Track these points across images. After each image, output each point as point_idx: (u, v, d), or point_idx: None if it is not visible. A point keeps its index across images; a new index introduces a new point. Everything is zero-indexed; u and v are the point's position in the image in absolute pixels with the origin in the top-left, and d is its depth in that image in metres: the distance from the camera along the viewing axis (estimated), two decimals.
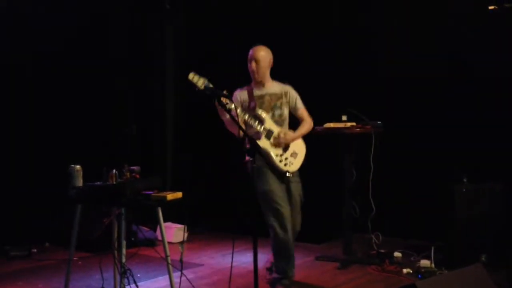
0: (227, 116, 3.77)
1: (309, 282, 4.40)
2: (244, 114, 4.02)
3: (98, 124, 6.03)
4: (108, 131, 6.02)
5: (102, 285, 3.81)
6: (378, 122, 4.78)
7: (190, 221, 5.60)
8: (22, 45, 5.58)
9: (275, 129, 4.11)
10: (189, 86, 3.48)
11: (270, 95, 4.18)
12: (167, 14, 6.85)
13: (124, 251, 3.49)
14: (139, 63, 6.60)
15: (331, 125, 4.72)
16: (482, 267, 3.52)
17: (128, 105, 6.52)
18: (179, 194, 3.68)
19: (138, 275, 4.45)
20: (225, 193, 6.20)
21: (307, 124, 4.27)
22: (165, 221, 4.02)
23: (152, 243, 5.51)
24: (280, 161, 4.11)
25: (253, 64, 4.12)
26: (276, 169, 4.10)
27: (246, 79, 4.26)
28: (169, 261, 3.72)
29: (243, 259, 4.97)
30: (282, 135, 4.10)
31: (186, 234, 5.61)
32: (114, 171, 3.59)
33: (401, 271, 4.49)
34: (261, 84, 4.18)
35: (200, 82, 3.47)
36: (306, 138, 4.32)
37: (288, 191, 4.16)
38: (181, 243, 5.29)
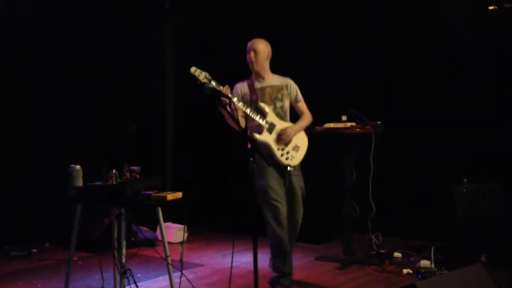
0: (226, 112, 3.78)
1: (309, 282, 4.40)
2: (246, 108, 4.02)
3: (98, 124, 6.03)
4: (108, 131, 6.03)
5: (102, 285, 3.81)
6: (378, 122, 4.78)
7: (190, 221, 5.60)
8: (22, 45, 5.58)
9: (278, 123, 4.12)
10: (189, 86, 3.49)
11: (271, 87, 4.19)
12: (167, 14, 6.85)
13: (124, 251, 3.49)
14: (139, 63, 6.60)
15: (331, 125, 4.72)
16: (482, 267, 3.52)
17: (128, 105, 6.52)
18: (179, 194, 3.68)
19: (138, 275, 4.45)
20: (225, 193, 6.21)
21: (307, 118, 4.29)
22: (165, 221, 4.02)
23: (152, 243, 5.51)
24: (282, 155, 4.11)
25: (252, 54, 4.14)
26: (278, 163, 4.10)
27: (246, 77, 4.26)
28: (169, 261, 3.72)
29: (243, 259, 4.97)
30: (285, 134, 4.09)
31: (186, 234, 5.60)
32: (114, 171, 3.60)
33: (401, 271, 4.48)
34: (261, 76, 4.19)
35: (202, 75, 3.74)
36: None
37: (290, 184, 4.16)
38: (181, 243, 5.28)
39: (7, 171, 5.46)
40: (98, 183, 3.62)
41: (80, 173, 3.64)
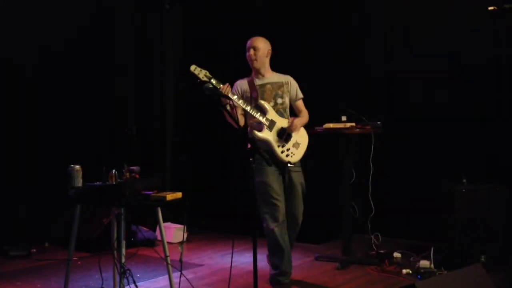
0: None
1: (308, 282, 4.40)
2: (246, 106, 4.02)
3: (98, 124, 6.03)
4: (108, 131, 6.03)
5: (102, 285, 3.81)
6: (378, 122, 4.78)
7: (189, 221, 5.59)
8: (22, 45, 5.57)
9: (278, 120, 4.12)
10: (189, 86, 3.50)
11: (272, 84, 4.19)
12: (167, 14, 6.85)
13: (123, 251, 3.49)
14: (139, 63, 6.60)
15: (331, 125, 4.72)
16: (481, 267, 3.51)
17: (128, 105, 6.52)
18: (178, 194, 3.68)
19: (138, 275, 4.44)
20: (224, 193, 6.21)
21: (306, 116, 4.31)
22: (164, 221, 4.02)
23: (151, 243, 5.51)
24: (282, 152, 4.11)
25: (251, 52, 4.15)
26: (278, 160, 4.10)
27: (247, 76, 4.26)
28: (169, 261, 3.72)
29: (242, 259, 4.97)
30: (292, 124, 4.09)
31: (185, 234, 5.61)
32: (113, 171, 3.60)
33: (401, 271, 4.48)
34: (261, 74, 4.20)
35: (201, 74, 3.79)
36: None
37: (290, 180, 4.16)
38: (181, 243, 5.28)
39: (7, 171, 5.46)
40: (97, 183, 3.63)
41: (80, 173, 3.64)
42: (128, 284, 3.50)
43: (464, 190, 4.56)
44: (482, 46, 4.94)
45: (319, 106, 4.61)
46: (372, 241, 5.10)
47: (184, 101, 6.86)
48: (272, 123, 4.10)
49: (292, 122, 4.11)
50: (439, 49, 5.24)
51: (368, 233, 5.09)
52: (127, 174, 3.67)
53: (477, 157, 4.91)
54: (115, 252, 3.61)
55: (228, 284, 3.64)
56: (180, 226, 5.77)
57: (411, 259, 4.78)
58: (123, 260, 3.47)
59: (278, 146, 4.10)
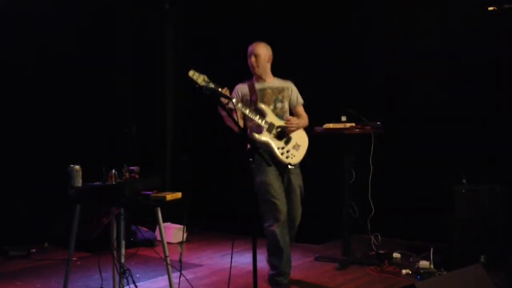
0: (225, 112, 3.78)
1: (308, 282, 4.40)
2: (245, 109, 4.03)
3: (98, 124, 6.02)
4: (108, 131, 6.02)
5: (101, 285, 3.80)
6: (378, 122, 4.78)
7: (189, 221, 5.59)
8: (22, 45, 5.57)
9: (277, 123, 4.12)
10: (189, 86, 3.49)
11: (272, 88, 4.20)
12: (167, 14, 6.85)
13: (123, 251, 3.49)
14: (139, 63, 6.60)
15: (331, 125, 4.71)
16: (481, 267, 3.51)
17: (128, 105, 6.52)
18: (178, 194, 3.68)
19: (137, 275, 4.44)
20: (225, 193, 6.21)
21: (305, 119, 4.31)
22: (164, 221, 4.02)
23: (151, 243, 5.51)
24: (282, 153, 4.11)
25: (253, 58, 4.15)
26: (278, 162, 4.10)
27: (246, 78, 4.26)
28: (168, 262, 3.72)
29: (242, 260, 4.97)
30: (289, 121, 4.11)
31: (185, 235, 5.61)
32: (113, 171, 3.59)
33: (400, 272, 4.48)
34: (262, 78, 4.20)
35: (200, 79, 3.70)
36: None
37: (289, 182, 4.17)
38: (180, 243, 5.28)
39: (7, 171, 5.46)
40: (97, 183, 3.62)
41: (80, 173, 3.63)
42: (128, 284, 3.50)
43: (464, 190, 4.56)
44: (482, 46, 4.94)
45: (319, 106, 4.62)
46: (372, 242, 5.10)
47: (184, 101, 6.85)
48: (271, 126, 4.10)
49: (289, 120, 4.12)
50: (439, 49, 5.24)
51: (368, 233, 5.09)
52: (127, 174, 3.67)
53: (477, 157, 4.91)
54: (115, 252, 3.61)
55: (228, 284, 3.64)
56: (180, 226, 5.77)
57: (411, 259, 4.78)
58: (122, 260, 3.47)
59: (278, 148, 4.11)
